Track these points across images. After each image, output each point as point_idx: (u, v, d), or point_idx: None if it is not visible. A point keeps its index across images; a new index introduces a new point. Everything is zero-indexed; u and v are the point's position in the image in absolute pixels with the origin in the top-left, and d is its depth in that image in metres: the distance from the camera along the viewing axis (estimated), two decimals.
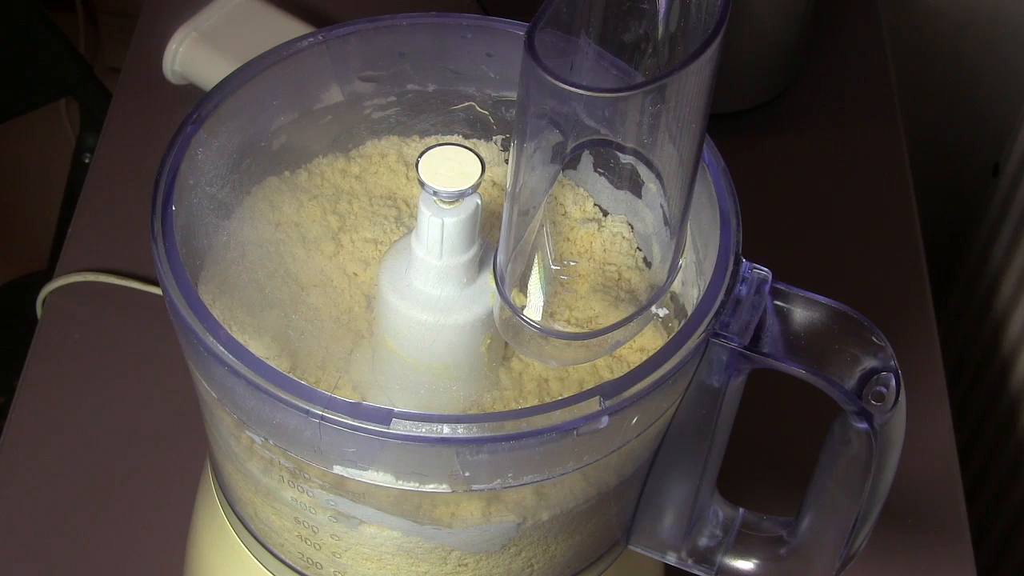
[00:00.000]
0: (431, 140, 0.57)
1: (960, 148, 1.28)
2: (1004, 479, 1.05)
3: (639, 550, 0.56)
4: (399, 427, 0.42)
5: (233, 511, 0.54)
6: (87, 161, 1.18)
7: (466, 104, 0.56)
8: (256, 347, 0.48)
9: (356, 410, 0.43)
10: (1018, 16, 1.21)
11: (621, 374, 0.45)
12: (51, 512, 0.73)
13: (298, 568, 0.53)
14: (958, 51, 1.24)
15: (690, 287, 0.52)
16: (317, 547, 0.50)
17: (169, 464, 0.74)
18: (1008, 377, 1.05)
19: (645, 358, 0.45)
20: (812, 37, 0.97)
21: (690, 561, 0.56)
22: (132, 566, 0.71)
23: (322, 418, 0.43)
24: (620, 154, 0.45)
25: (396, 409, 0.43)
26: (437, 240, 0.46)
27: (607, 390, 0.44)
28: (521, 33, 0.53)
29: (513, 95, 0.54)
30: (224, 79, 0.51)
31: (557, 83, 0.39)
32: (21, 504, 0.74)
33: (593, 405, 0.43)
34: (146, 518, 0.73)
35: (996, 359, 1.07)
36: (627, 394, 0.44)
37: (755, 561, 0.55)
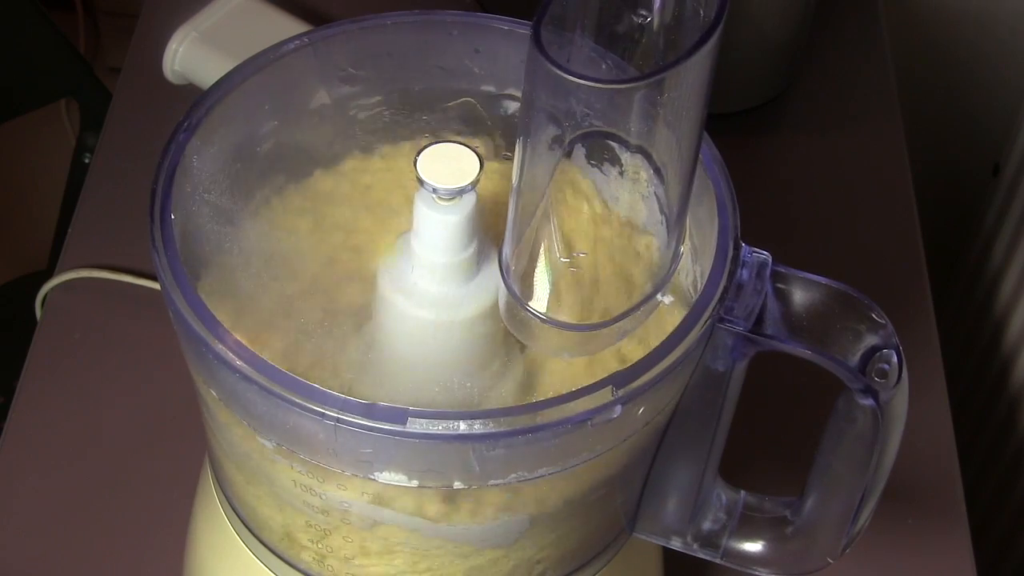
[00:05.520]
0: (424, 140, 0.56)
1: (960, 148, 1.28)
2: (1004, 479, 1.05)
3: (644, 537, 0.56)
4: (416, 426, 0.42)
5: (236, 514, 0.54)
6: (87, 161, 1.18)
7: (458, 101, 0.56)
8: (261, 352, 0.48)
9: (371, 411, 0.42)
10: (1017, 16, 1.21)
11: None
12: (51, 512, 0.73)
13: (311, 572, 0.52)
14: (958, 51, 1.24)
15: (686, 275, 0.52)
16: (330, 549, 0.50)
17: (169, 464, 0.74)
18: (1008, 377, 1.05)
19: None
20: (812, 37, 0.97)
21: (695, 546, 0.56)
22: (132, 566, 0.71)
23: (337, 420, 0.42)
24: (622, 145, 0.45)
25: (412, 408, 0.42)
26: (438, 237, 0.46)
27: (619, 379, 0.44)
28: (507, 28, 0.53)
29: (503, 89, 0.55)
30: (212, 85, 0.51)
31: (566, 76, 0.39)
32: (21, 504, 0.74)
33: (606, 395, 0.43)
34: (146, 518, 0.73)
35: (996, 359, 1.07)
36: (639, 383, 0.44)
37: (761, 542, 0.55)
